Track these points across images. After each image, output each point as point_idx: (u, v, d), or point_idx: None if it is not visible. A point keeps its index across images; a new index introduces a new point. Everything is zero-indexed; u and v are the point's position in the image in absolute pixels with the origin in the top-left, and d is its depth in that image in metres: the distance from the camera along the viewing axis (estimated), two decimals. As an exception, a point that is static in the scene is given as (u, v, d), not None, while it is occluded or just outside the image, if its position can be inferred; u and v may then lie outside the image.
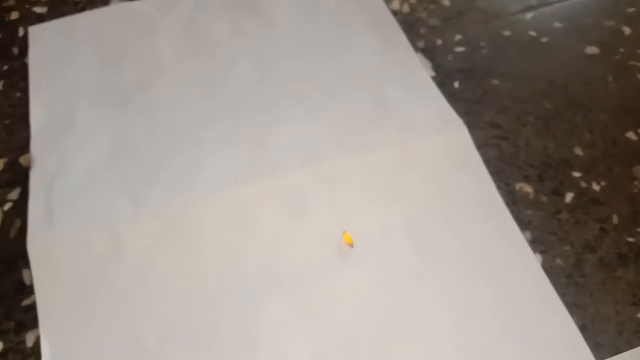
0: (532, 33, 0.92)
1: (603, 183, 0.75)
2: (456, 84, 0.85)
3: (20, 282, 0.67)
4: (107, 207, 0.71)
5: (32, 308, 0.65)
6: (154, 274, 0.67)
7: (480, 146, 0.77)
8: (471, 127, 0.78)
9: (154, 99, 0.82)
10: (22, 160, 0.77)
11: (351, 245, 0.68)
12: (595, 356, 0.61)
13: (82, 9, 0.94)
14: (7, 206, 0.73)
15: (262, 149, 0.76)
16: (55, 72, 0.86)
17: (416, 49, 0.88)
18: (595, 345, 0.62)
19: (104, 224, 0.69)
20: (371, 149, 0.75)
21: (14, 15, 0.95)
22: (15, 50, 0.90)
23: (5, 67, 0.88)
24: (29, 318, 0.65)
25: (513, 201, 0.73)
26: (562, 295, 0.65)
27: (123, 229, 0.69)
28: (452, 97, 0.82)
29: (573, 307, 0.65)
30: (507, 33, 0.92)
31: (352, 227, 0.69)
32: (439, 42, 0.90)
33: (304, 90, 0.82)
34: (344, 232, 0.68)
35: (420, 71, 0.84)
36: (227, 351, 0.62)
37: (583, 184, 0.75)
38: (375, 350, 0.62)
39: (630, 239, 0.70)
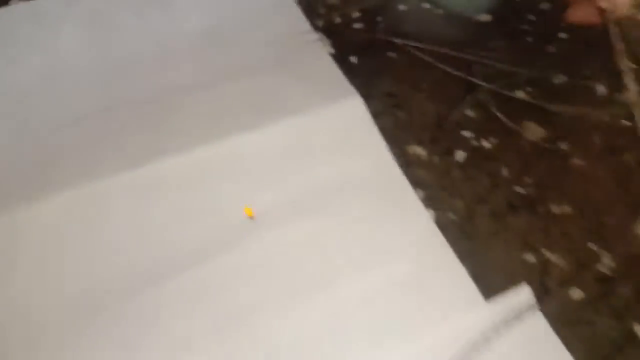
0: (427, 5, 0.95)
1: (494, 140, 0.79)
2: (354, 59, 0.88)
3: None
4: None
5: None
6: (51, 257, 0.68)
7: (377, 115, 0.80)
8: (368, 98, 0.81)
9: (55, 91, 0.83)
10: None
11: (252, 217, 0.70)
12: (486, 297, 0.65)
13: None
14: None
15: (163, 132, 0.78)
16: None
17: (316, 28, 0.91)
18: (486, 288, 0.65)
19: None
20: (268, 125, 0.78)
21: None
22: None
23: None
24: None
25: (407, 163, 0.76)
26: (455, 246, 0.69)
27: (18, 216, 0.70)
28: (350, 72, 0.85)
29: (466, 256, 0.68)
30: (403, 7, 0.95)
31: (254, 200, 0.71)
32: (338, 20, 0.93)
33: (206, 74, 0.84)
34: (244, 205, 0.71)
35: (319, 50, 0.87)
36: (127, 330, 0.63)
37: (474, 143, 0.79)
38: (278, 310, 0.64)
39: (519, 190, 0.74)
